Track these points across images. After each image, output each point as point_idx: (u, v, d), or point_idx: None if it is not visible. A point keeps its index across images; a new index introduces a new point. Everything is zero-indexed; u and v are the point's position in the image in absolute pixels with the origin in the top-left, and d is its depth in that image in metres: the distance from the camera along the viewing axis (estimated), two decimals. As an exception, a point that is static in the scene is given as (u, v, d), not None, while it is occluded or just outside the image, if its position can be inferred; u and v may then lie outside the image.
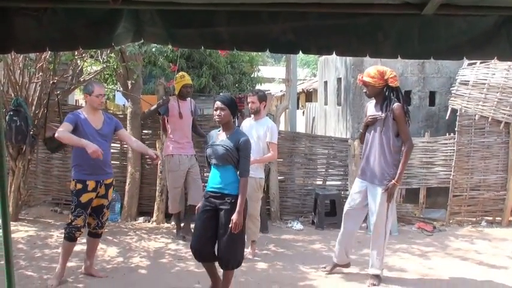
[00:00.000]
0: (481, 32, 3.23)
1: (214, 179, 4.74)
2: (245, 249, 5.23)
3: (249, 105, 6.37)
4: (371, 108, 5.58)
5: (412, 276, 5.89)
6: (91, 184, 5.26)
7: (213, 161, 4.72)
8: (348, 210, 5.65)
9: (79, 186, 5.24)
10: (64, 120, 5.43)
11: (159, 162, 5.65)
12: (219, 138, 4.75)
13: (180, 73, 7.52)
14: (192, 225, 7.00)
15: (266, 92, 23.82)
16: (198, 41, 3.27)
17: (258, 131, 6.30)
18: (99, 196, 5.38)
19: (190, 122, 7.31)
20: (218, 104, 4.68)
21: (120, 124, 5.75)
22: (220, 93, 6.46)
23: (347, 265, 5.86)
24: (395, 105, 5.25)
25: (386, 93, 5.36)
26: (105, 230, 5.59)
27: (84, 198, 5.24)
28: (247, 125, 6.46)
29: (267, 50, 3.28)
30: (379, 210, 5.32)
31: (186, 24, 3.16)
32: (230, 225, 4.51)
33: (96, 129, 5.34)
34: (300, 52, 3.29)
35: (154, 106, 7.58)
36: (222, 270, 4.82)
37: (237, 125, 6.16)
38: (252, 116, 6.45)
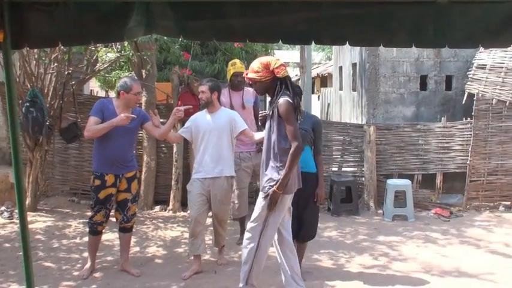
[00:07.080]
0: (497, 19, 3.15)
1: None
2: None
3: (199, 95, 5.56)
4: None
5: (421, 265, 5.83)
6: (110, 179, 5.16)
7: None
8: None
9: (97, 182, 5.17)
10: (90, 112, 5.15)
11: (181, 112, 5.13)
12: None
13: (232, 60, 6.71)
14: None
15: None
16: (210, 34, 3.24)
17: (219, 124, 5.48)
18: (121, 190, 5.27)
19: (244, 115, 6.12)
20: None
21: (147, 117, 5.44)
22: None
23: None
24: (280, 100, 4.34)
25: (278, 86, 4.46)
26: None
27: (102, 194, 5.18)
28: (203, 119, 5.54)
29: (280, 41, 3.25)
30: (256, 218, 4.45)
31: (198, 16, 3.14)
32: (315, 199, 5.03)
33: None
34: (313, 43, 3.26)
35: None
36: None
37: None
38: (205, 109, 5.58)
